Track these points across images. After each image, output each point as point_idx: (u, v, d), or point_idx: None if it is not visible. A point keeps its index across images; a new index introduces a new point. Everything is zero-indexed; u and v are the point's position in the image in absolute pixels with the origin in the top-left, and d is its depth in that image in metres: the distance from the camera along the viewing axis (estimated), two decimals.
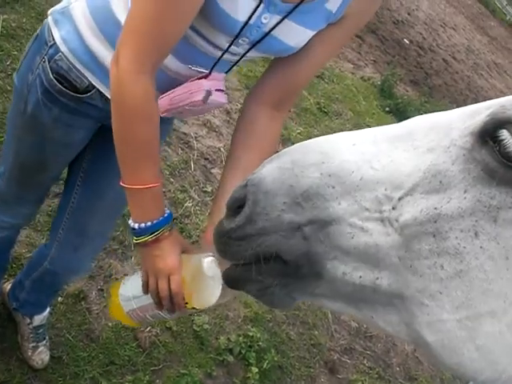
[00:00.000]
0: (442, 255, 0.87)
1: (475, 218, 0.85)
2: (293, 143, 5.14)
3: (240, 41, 1.61)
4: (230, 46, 1.62)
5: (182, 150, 4.52)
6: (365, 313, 1.00)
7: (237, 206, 1.06)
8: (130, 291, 1.70)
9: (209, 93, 1.67)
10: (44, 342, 2.88)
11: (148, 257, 1.59)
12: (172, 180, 4.15)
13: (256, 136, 1.76)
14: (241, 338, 3.59)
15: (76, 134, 1.94)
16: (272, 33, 1.59)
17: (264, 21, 1.55)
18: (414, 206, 0.89)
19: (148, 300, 1.65)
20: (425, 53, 11.31)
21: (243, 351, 3.53)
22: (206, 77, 1.69)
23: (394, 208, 0.91)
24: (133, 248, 3.58)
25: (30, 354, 2.83)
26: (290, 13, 1.55)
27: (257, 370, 3.48)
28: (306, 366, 3.87)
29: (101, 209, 2.19)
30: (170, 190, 4.09)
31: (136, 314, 1.70)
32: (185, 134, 4.66)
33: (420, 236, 0.88)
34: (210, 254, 1.54)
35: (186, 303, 1.59)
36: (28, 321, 2.82)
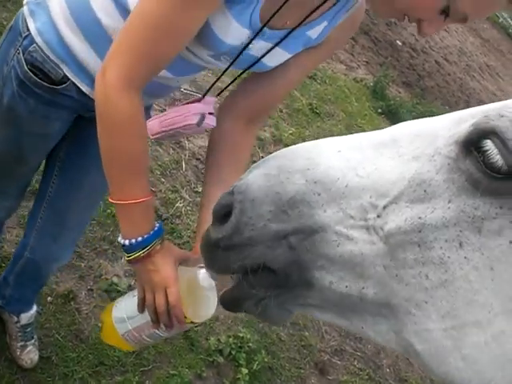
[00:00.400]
0: (427, 265, 0.86)
1: (459, 229, 0.84)
2: (285, 144, 5.16)
3: (221, 58, 1.64)
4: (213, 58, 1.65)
5: (174, 149, 4.51)
6: (355, 323, 0.99)
7: (223, 214, 1.05)
8: (124, 312, 1.67)
9: (203, 116, 1.67)
10: (32, 341, 2.86)
11: (142, 272, 1.57)
12: (163, 180, 4.14)
13: (233, 147, 1.77)
14: (231, 339, 3.58)
15: (53, 125, 1.93)
16: (253, 53, 1.63)
17: (251, 46, 1.59)
18: (399, 215, 0.88)
19: (143, 319, 1.62)
20: (417, 54, 11.33)
21: (233, 352, 3.53)
22: (199, 100, 1.70)
23: (378, 216, 0.91)
24: None
25: (18, 353, 2.81)
26: (280, 41, 1.60)
27: (247, 371, 3.47)
28: (296, 367, 3.87)
29: (78, 199, 2.19)
30: (160, 190, 4.08)
31: (132, 336, 1.66)
32: None
33: (405, 245, 0.87)
34: (203, 265, 1.51)
35: (184, 317, 1.56)
36: (15, 319, 2.81)
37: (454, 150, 0.87)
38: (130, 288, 3.42)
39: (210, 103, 1.72)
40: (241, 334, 3.62)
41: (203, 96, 1.71)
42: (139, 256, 1.53)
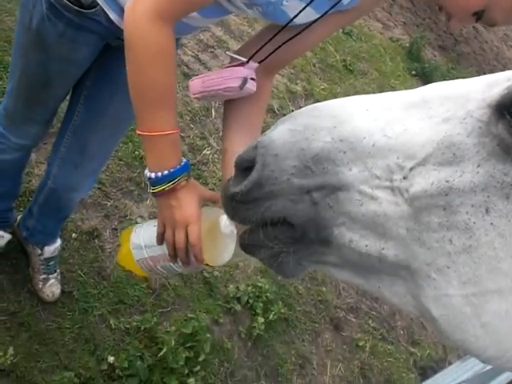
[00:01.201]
0: (452, 229, 0.85)
1: (487, 194, 0.82)
2: (316, 99, 5.10)
3: (254, 8, 1.63)
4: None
5: None
6: (372, 283, 0.98)
7: (245, 167, 1.04)
8: (142, 240, 1.67)
9: (245, 80, 1.65)
10: (55, 274, 2.91)
11: (165, 207, 1.56)
12: (192, 126, 4.13)
13: (254, 93, 1.75)
14: (249, 288, 3.62)
15: (80, 50, 1.94)
16: (282, 8, 1.60)
17: (285, 3, 1.58)
18: (426, 178, 0.87)
19: (161, 250, 1.62)
20: None
21: (251, 301, 3.57)
22: (243, 64, 1.68)
23: (405, 178, 0.89)
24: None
25: (40, 286, 2.86)
26: (312, 1, 1.57)
27: (263, 320, 3.52)
28: (311, 321, 3.90)
29: (102, 126, 2.20)
30: (189, 136, 4.08)
31: (146, 263, 1.67)
32: None
33: (430, 208, 0.86)
34: None
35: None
36: (39, 252, 2.85)
37: (486, 114, 0.85)
38: None
39: (252, 68, 1.70)
40: (259, 284, 3.65)
41: (247, 61, 1.69)
42: (164, 189, 1.52)
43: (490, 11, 1.34)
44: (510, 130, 0.81)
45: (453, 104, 0.90)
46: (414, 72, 7.52)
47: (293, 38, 1.66)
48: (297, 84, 5.13)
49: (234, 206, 1.05)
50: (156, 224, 1.63)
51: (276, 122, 1.05)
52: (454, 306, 0.86)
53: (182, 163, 1.55)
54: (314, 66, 5.52)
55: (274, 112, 4.83)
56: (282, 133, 1.00)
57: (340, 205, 0.94)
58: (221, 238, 1.52)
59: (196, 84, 1.71)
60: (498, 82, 0.88)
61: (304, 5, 1.58)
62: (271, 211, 0.99)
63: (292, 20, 1.62)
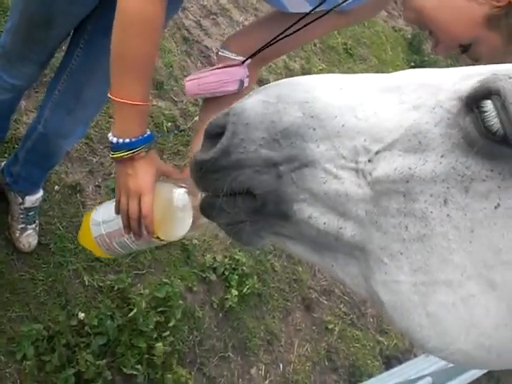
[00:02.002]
0: (409, 216, 0.85)
1: (447, 185, 0.83)
2: None
3: None
4: None
5: (202, 63, 4.42)
6: (326, 260, 0.98)
7: (215, 133, 1.03)
8: (100, 216, 1.70)
9: (242, 82, 1.69)
10: (33, 225, 2.88)
11: (121, 174, 1.60)
12: None
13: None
14: (226, 260, 3.62)
15: None
16: None
17: None
18: (390, 163, 0.87)
19: (116, 226, 1.64)
20: None
21: (226, 272, 3.58)
22: (239, 64, 1.70)
23: (369, 161, 0.89)
24: None
25: (17, 235, 2.84)
26: None
27: (236, 292, 3.53)
28: (283, 299, 3.92)
29: (99, 73, 2.18)
30: (182, 101, 4.03)
31: (103, 241, 1.69)
32: (207, 47, 4.55)
33: (390, 194, 0.86)
34: (184, 185, 1.54)
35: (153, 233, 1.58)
36: (20, 200, 2.82)
37: (456, 106, 0.85)
38: None
39: (246, 65, 1.72)
40: (237, 257, 3.66)
41: (243, 62, 1.71)
42: (122, 157, 1.56)
43: (477, 45, 1.36)
44: (477, 125, 0.81)
45: (425, 92, 0.90)
46: (412, 64, 7.49)
47: (291, 34, 1.66)
48: (295, 62, 5.10)
49: (202, 174, 1.04)
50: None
51: (249, 93, 1.05)
52: (402, 293, 0.87)
53: (146, 135, 1.58)
54: (315, 45, 5.48)
55: None
56: (255, 103, 1.00)
57: (303, 181, 0.94)
58: (173, 212, 1.55)
59: (192, 86, 1.73)
60: (471, 75, 0.88)
61: None
62: (238, 182, 0.98)
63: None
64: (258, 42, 1.71)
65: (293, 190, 0.95)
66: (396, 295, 0.87)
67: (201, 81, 1.71)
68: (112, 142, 1.57)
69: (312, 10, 1.60)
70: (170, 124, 3.82)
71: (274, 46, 1.72)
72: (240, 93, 1.70)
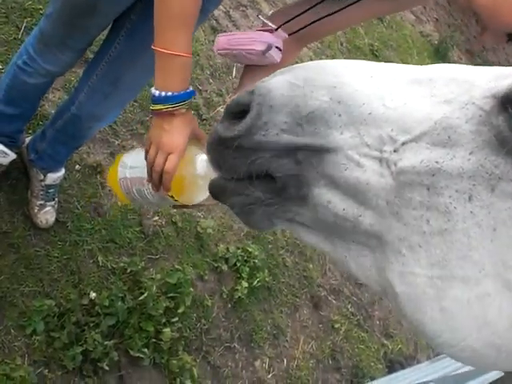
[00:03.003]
0: (431, 210, 0.84)
1: (473, 182, 0.82)
2: None
3: None
4: None
5: None
6: (339, 251, 0.97)
7: (237, 112, 1.01)
8: (129, 160, 1.75)
9: (270, 46, 1.66)
10: (52, 202, 2.90)
11: (157, 128, 1.61)
12: (211, 81, 4.10)
13: (276, 64, 1.74)
14: (239, 251, 3.63)
15: None
16: None
17: None
18: (416, 154, 0.86)
19: (140, 173, 1.68)
20: None
21: (238, 264, 3.59)
22: (271, 31, 1.68)
23: (395, 151, 0.88)
24: None
25: (36, 211, 2.86)
26: None
27: (247, 284, 3.54)
28: (292, 295, 3.93)
29: (140, 62, 2.18)
30: (206, 90, 4.05)
31: (125, 184, 1.74)
32: None
33: (414, 185, 0.86)
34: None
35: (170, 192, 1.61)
36: (41, 177, 2.84)
37: (489, 103, 0.84)
38: None
39: (280, 37, 1.69)
40: (249, 249, 3.66)
41: (276, 29, 1.68)
42: (162, 109, 1.56)
43: None
44: (510, 124, 0.81)
45: (457, 87, 0.89)
46: None
47: (330, 15, 1.65)
48: (321, 59, 5.09)
49: (222, 152, 1.02)
50: None
51: (274, 72, 1.02)
52: (418, 285, 0.86)
53: (188, 90, 1.58)
54: (342, 44, 5.47)
55: None
56: (280, 84, 0.98)
57: (324, 166, 0.93)
58: (194, 177, 1.57)
59: (222, 40, 1.72)
60: (505, 74, 0.88)
61: None
62: (257, 164, 0.97)
63: None
64: (298, 21, 1.70)
65: (313, 175, 0.94)
66: (411, 287, 0.87)
67: (231, 36, 1.71)
68: (154, 95, 1.57)
69: None
70: (192, 112, 3.83)
71: (317, 25, 1.70)
72: (267, 61, 1.70)
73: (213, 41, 2.33)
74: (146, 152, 1.63)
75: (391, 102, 0.91)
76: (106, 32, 2.25)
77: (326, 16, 1.65)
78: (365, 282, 0.98)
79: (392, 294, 0.91)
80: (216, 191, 1.10)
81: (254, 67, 1.75)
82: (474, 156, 0.83)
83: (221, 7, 4.62)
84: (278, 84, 0.98)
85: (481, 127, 0.84)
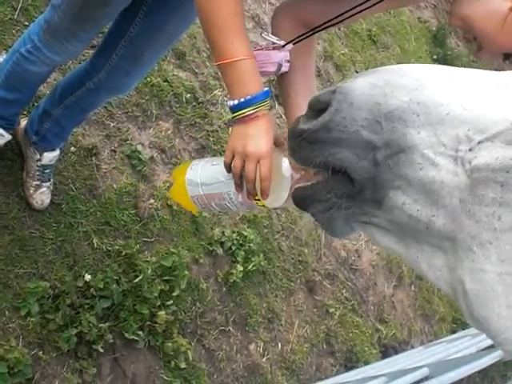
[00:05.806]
0: (504, 206, 0.86)
1: None
2: (334, 62, 5.04)
3: None
4: None
5: None
6: (411, 252, 1.01)
7: (319, 108, 1.06)
8: (198, 177, 1.67)
9: (280, 65, 1.68)
10: (48, 183, 2.89)
11: (240, 136, 1.52)
12: (208, 64, 4.07)
13: (304, 55, 1.78)
14: (234, 235, 3.63)
15: None
16: None
17: None
18: (492, 153, 0.88)
19: (218, 189, 1.63)
20: None
21: (233, 248, 3.59)
22: (279, 48, 1.69)
23: (470, 150, 0.91)
24: (154, 119, 3.55)
25: (31, 191, 2.84)
26: None
27: (242, 268, 3.55)
28: (287, 279, 3.94)
29: (158, 40, 2.22)
30: (203, 73, 4.02)
31: (201, 200, 1.68)
32: None
33: (488, 182, 0.88)
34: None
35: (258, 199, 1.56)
36: (38, 157, 2.81)
37: None
38: (152, 159, 3.43)
39: (288, 50, 1.70)
40: (245, 233, 3.66)
41: (283, 46, 1.68)
42: (245, 113, 1.50)
43: None
44: None
45: None
46: (435, 57, 7.43)
47: (345, 13, 1.64)
48: (318, 44, 5.06)
49: (300, 142, 1.07)
50: (214, 163, 1.65)
51: (357, 74, 1.07)
52: (487, 282, 0.88)
53: (264, 89, 1.53)
54: (339, 29, 5.43)
55: None
56: (362, 84, 1.02)
57: (400, 166, 0.96)
58: (281, 181, 1.53)
59: None
60: None
61: None
62: (335, 158, 1.01)
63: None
64: (313, 14, 1.70)
65: (389, 176, 0.97)
66: (480, 283, 0.89)
67: None
68: (234, 105, 1.51)
69: None
70: (188, 95, 3.81)
71: (322, 19, 1.70)
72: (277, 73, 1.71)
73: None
74: (228, 165, 1.55)
75: (469, 103, 0.94)
76: None
77: (343, 20, 1.65)
78: (434, 282, 1.01)
79: (462, 291, 0.93)
80: (297, 201, 1.16)
81: None
82: None
83: None
84: (359, 84, 1.03)
85: None
